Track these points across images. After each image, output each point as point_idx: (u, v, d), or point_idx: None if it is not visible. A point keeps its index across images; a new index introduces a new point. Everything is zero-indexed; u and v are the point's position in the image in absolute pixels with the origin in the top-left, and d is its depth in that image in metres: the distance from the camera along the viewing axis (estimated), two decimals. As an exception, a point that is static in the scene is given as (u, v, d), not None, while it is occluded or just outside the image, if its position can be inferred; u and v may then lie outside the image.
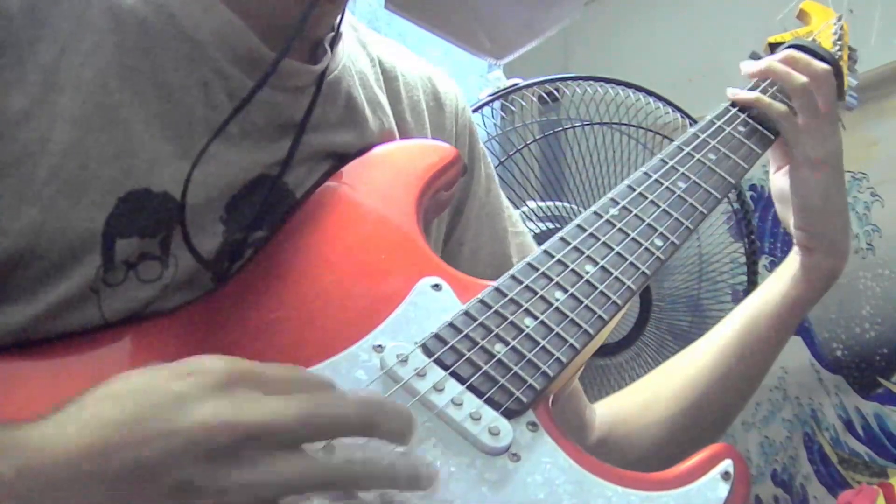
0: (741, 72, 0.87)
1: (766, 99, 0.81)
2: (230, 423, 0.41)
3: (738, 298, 1.43)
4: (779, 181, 0.87)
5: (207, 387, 0.43)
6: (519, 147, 1.35)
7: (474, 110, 1.37)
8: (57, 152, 0.54)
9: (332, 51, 0.68)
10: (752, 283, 1.43)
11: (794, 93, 0.82)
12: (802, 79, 0.82)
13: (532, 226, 1.38)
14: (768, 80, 0.86)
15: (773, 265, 1.56)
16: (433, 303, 0.59)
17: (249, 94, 0.59)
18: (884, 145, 1.49)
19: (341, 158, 0.68)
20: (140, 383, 0.44)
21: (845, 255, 0.86)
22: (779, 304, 0.86)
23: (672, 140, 1.36)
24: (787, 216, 0.87)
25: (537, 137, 1.37)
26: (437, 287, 0.60)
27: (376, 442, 0.46)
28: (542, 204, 1.39)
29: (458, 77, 0.65)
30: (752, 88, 0.85)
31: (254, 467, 0.42)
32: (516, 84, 1.37)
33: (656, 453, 0.83)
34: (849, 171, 1.54)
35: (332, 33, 0.68)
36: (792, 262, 0.87)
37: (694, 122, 1.40)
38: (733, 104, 0.82)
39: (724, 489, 0.53)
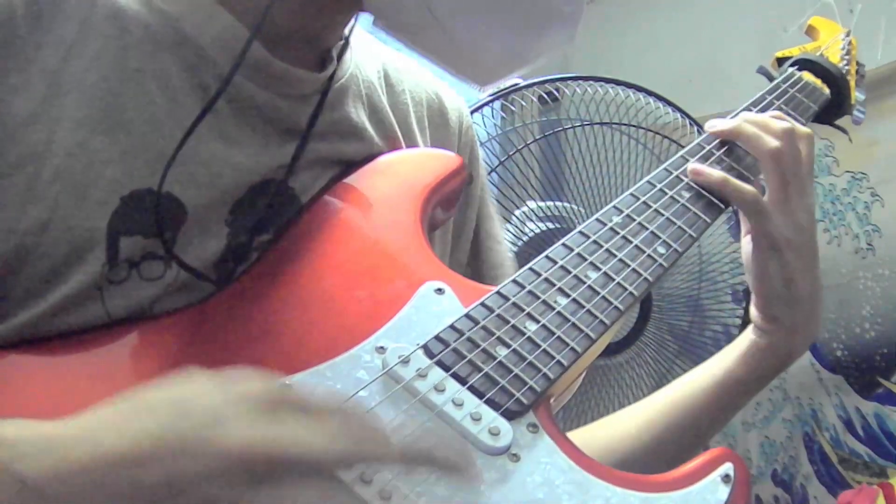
0: (706, 129, 0.76)
1: (733, 182, 0.71)
2: (268, 449, 0.41)
3: (738, 298, 1.43)
4: (748, 247, 0.76)
5: (248, 407, 0.42)
6: (519, 147, 1.35)
7: (475, 110, 1.37)
8: (62, 153, 0.55)
9: (339, 60, 0.68)
10: (752, 283, 1.43)
11: (763, 158, 0.72)
12: (774, 142, 0.71)
13: (532, 226, 1.38)
14: (774, 94, 0.83)
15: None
16: (436, 306, 0.59)
17: (225, 82, 0.58)
18: (884, 145, 1.49)
19: (347, 165, 0.68)
20: (180, 395, 0.43)
21: (809, 340, 0.75)
22: (719, 383, 0.74)
23: (672, 140, 1.37)
24: None
25: (537, 137, 1.37)
26: (440, 291, 0.60)
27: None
28: (542, 204, 1.39)
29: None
30: (755, 106, 0.80)
31: (283, 495, 0.41)
32: (516, 84, 1.37)
33: None
34: (849, 171, 1.54)
35: (341, 42, 0.69)
36: (744, 339, 0.76)
37: (694, 121, 1.40)
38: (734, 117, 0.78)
39: (724, 492, 0.53)
